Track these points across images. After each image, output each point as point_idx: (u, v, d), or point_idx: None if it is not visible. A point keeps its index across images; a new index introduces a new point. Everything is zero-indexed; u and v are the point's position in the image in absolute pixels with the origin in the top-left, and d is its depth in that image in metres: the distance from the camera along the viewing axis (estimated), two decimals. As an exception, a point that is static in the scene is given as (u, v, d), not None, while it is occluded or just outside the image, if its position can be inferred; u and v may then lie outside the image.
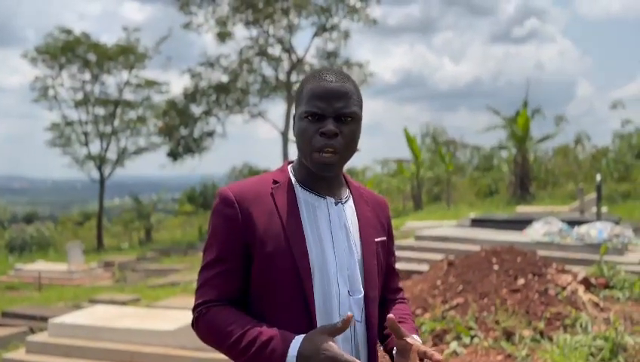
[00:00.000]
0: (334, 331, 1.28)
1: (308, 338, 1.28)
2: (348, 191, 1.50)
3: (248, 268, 1.38)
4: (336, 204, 1.44)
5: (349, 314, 1.26)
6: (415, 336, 1.42)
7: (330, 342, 1.26)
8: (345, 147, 1.37)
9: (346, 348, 1.38)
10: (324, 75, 1.38)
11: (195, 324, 1.41)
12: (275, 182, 1.42)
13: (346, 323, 1.26)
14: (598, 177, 11.56)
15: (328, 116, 1.35)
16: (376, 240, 1.49)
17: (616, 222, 10.06)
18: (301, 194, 1.42)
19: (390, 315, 1.33)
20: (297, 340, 1.28)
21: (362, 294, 1.42)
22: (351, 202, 1.48)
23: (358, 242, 1.44)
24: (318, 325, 1.34)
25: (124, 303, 8.68)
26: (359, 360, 1.36)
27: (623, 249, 8.12)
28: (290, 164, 1.49)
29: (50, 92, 24.07)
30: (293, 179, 1.44)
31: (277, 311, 1.36)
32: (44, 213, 37.36)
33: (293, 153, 24.90)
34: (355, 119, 1.38)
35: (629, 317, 5.01)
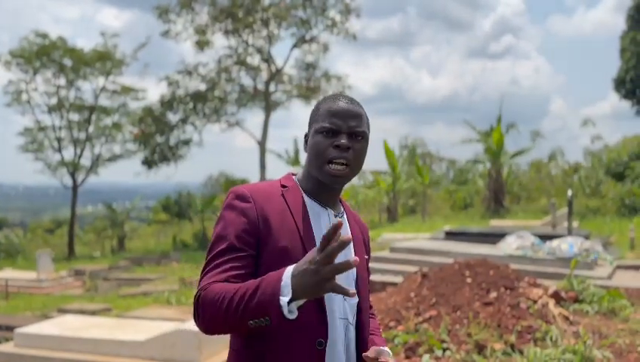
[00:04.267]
0: (323, 245, 1.17)
1: (297, 263, 1.22)
2: (342, 208, 1.59)
3: (256, 264, 1.39)
4: (335, 216, 1.52)
5: (339, 220, 1.18)
6: (386, 348, 1.50)
7: (315, 252, 1.18)
8: (354, 161, 1.45)
9: (338, 348, 1.42)
10: (340, 98, 1.50)
11: (197, 303, 1.34)
12: (283, 186, 1.50)
13: (335, 228, 1.15)
14: (570, 193, 11.78)
15: (342, 132, 1.44)
16: (365, 256, 1.58)
17: (587, 237, 10.26)
18: (307, 200, 1.50)
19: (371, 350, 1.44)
20: (288, 269, 1.22)
21: (356, 300, 1.49)
22: (345, 218, 1.58)
23: (352, 255, 1.49)
24: (329, 320, 1.39)
25: (94, 313, 8.52)
26: (349, 360, 1.46)
27: (592, 263, 8.26)
28: (294, 176, 1.56)
29: (24, 96, 23.67)
30: (299, 187, 1.53)
31: None
32: (13, 219, 36.59)
33: (271, 163, 24.85)
34: (365, 139, 1.48)
35: (597, 331, 5.09)
